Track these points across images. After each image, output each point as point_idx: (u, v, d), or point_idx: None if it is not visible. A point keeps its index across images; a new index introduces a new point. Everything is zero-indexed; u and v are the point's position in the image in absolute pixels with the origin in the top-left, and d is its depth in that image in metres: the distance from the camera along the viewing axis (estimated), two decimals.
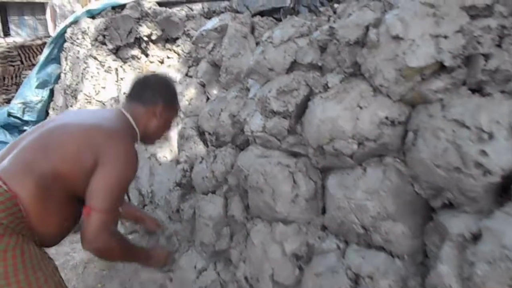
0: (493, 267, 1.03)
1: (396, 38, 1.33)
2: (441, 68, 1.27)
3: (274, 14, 2.70)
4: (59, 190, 1.31)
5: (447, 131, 1.18)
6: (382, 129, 1.36)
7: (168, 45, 3.11)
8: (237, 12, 2.86)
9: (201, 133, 2.40)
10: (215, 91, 2.46)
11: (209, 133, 2.23)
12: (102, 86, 3.14)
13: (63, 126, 1.41)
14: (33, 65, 6.69)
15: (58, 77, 3.71)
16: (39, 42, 6.62)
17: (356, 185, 1.41)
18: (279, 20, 2.60)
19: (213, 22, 2.62)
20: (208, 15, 3.06)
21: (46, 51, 3.71)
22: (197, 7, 3.22)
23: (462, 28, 1.24)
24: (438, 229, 1.24)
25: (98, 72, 3.16)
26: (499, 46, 1.20)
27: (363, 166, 1.43)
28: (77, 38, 3.37)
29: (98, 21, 3.23)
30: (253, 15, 2.71)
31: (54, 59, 3.71)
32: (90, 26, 3.26)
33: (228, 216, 1.99)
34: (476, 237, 1.10)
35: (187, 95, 2.59)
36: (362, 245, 1.40)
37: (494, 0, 1.24)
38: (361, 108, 1.40)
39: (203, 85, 2.54)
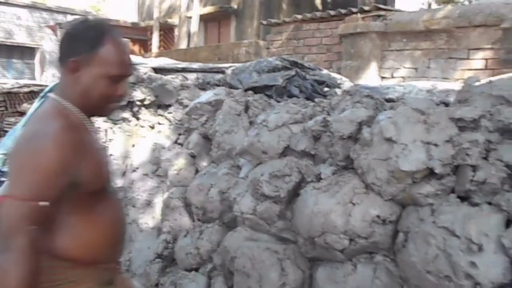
0: None
1: (389, 140, 1.40)
2: (431, 174, 1.33)
3: (266, 90, 2.81)
4: None
5: (438, 238, 1.21)
6: (373, 227, 1.39)
7: (160, 111, 3.16)
8: (231, 86, 2.96)
9: (188, 205, 2.39)
10: (204, 164, 2.48)
11: (197, 207, 2.22)
12: None
13: None
14: (17, 111, 6.65)
15: None
16: (26, 89, 6.62)
17: (345, 281, 1.41)
18: (271, 97, 2.70)
19: (208, 96, 2.70)
20: (202, 86, 3.16)
21: (35, 105, 3.71)
22: (192, 76, 3.32)
23: (451, 139, 1.32)
24: None
25: None
26: (485, 159, 1.27)
27: (353, 262, 1.45)
28: None
29: None
30: (246, 90, 2.81)
31: None
32: None
33: None
34: None
35: (176, 164, 2.60)
36: None
37: (481, 115, 1.34)
38: (353, 204, 1.43)
39: (193, 156, 2.57)
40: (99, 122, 3.21)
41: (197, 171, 2.51)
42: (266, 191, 1.75)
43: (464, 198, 1.29)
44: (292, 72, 2.95)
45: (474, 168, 1.27)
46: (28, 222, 0.95)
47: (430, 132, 1.36)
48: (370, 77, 4.37)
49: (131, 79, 3.21)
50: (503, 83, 1.54)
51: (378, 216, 1.39)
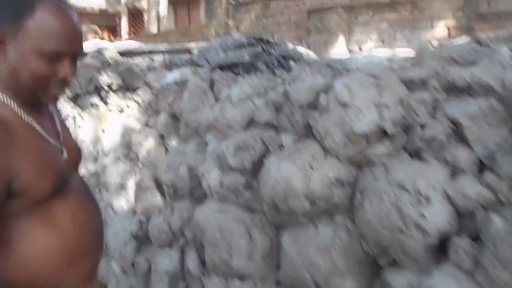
0: None
1: (344, 105, 1.45)
2: (384, 135, 1.38)
3: (234, 68, 2.82)
4: None
5: (391, 194, 1.28)
6: (332, 189, 1.44)
7: (128, 94, 3.14)
8: (198, 65, 2.96)
9: (159, 185, 2.41)
10: (174, 143, 2.50)
11: (167, 186, 2.24)
12: None
13: None
14: None
15: None
16: None
17: (308, 243, 1.47)
18: (238, 74, 2.72)
19: (174, 76, 2.70)
20: (169, 67, 3.15)
21: None
22: (159, 58, 3.30)
23: (401, 100, 1.37)
24: (384, 286, 1.30)
25: None
26: (433, 117, 1.33)
27: (315, 224, 1.50)
28: None
29: None
30: (213, 69, 2.81)
31: None
32: None
33: (185, 271, 1.98)
34: None
35: (146, 145, 2.61)
36: None
37: (429, 75, 1.39)
38: (313, 169, 1.48)
39: (162, 137, 2.58)
40: (67, 108, 3.18)
41: (167, 151, 2.53)
42: (231, 163, 1.78)
43: (415, 155, 1.35)
44: (258, 49, 2.96)
45: (423, 126, 1.33)
46: None
47: (382, 95, 1.41)
48: (339, 50, 4.41)
49: (97, 64, 3.17)
50: (452, 46, 1.60)
51: (336, 179, 1.44)
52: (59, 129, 1.00)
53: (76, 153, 1.04)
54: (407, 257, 1.24)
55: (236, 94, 1.97)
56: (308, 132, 1.64)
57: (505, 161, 1.15)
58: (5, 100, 0.86)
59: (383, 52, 2.33)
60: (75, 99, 3.20)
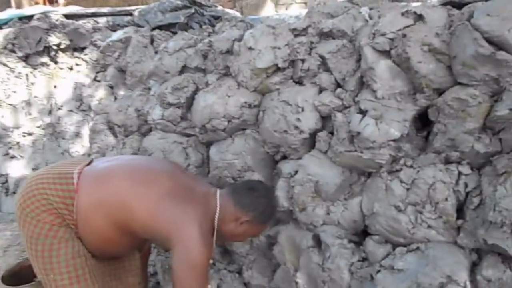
0: (302, 187, 1.70)
1: (250, 48, 1.98)
2: (278, 69, 1.93)
3: (171, 28, 3.25)
4: (114, 213, 1.44)
5: (280, 108, 1.84)
6: (243, 110, 1.98)
7: (76, 54, 3.48)
8: (139, 26, 3.36)
9: (111, 127, 2.85)
10: (122, 92, 2.93)
11: (118, 126, 2.70)
12: (12, 90, 3.41)
13: (161, 172, 1.53)
14: None
15: None
16: None
17: (227, 150, 2.02)
18: (175, 33, 3.16)
19: (118, 34, 3.09)
20: (113, 28, 3.51)
21: None
22: (102, 20, 3.64)
23: (288, 43, 1.91)
24: (277, 173, 1.89)
25: (8, 78, 3.42)
26: (310, 54, 1.89)
27: (232, 137, 2.05)
28: None
29: (7, 30, 3.49)
30: (153, 29, 3.23)
31: None
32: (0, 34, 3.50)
33: None
34: (296, 172, 1.77)
35: (97, 96, 3.02)
36: None
37: (308, 25, 1.94)
38: (229, 96, 2.01)
39: (111, 87, 2.99)
40: (19, 68, 3.47)
41: (115, 99, 2.96)
42: (170, 100, 2.27)
43: (298, 82, 1.91)
44: (192, 10, 3.38)
45: (303, 61, 1.89)
46: None
47: (276, 40, 1.95)
48: (268, 13, 4.92)
49: (44, 25, 3.46)
50: (332, 5, 2.16)
51: (245, 102, 1.98)
52: None
53: None
54: (291, 150, 1.82)
55: (171, 46, 2.44)
56: (227, 71, 2.16)
57: (350, 80, 1.73)
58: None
59: (294, 12, 2.88)
60: (26, 59, 3.50)
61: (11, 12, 3.79)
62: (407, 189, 1.47)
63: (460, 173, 1.41)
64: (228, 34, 2.21)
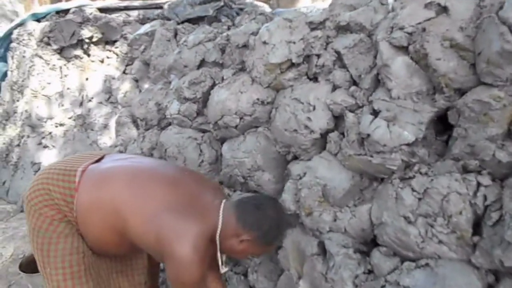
0: (310, 190, 1.60)
1: (264, 43, 1.89)
2: (293, 65, 1.83)
3: (200, 21, 3.22)
4: (109, 220, 1.42)
5: (291, 106, 1.74)
6: (255, 107, 1.91)
7: (107, 47, 3.54)
8: (168, 19, 3.35)
9: (134, 120, 2.87)
10: (146, 85, 2.94)
11: (140, 119, 2.70)
12: (47, 82, 3.52)
13: (162, 176, 1.49)
14: None
15: (5, 74, 4.02)
16: None
17: (238, 148, 1.95)
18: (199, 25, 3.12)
19: (145, 28, 3.10)
20: (143, 21, 3.53)
21: None
22: (134, 14, 3.67)
23: (304, 37, 1.81)
24: (288, 174, 1.80)
25: (43, 70, 3.53)
26: (325, 49, 1.78)
27: (244, 135, 1.98)
28: (23, 39, 3.72)
29: (43, 24, 3.60)
30: (182, 22, 3.22)
31: (1, 57, 4.02)
32: (36, 28, 3.62)
33: None
34: (304, 174, 1.67)
35: (123, 89, 3.05)
36: (244, 191, 1.95)
37: (326, 18, 1.83)
38: (242, 93, 1.94)
39: (136, 81, 3.01)
40: (54, 60, 3.58)
41: (140, 92, 2.97)
42: (186, 94, 2.24)
43: (313, 78, 1.81)
44: (221, 3, 3.33)
45: (318, 56, 1.78)
46: None
47: (292, 34, 1.85)
48: (304, 5, 4.78)
49: (78, 19, 3.55)
50: None
51: (258, 99, 1.90)
52: None
53: None
54: (301, 150, 1.72)
55: (191, 39, 2.40)
56: (242, 66, 2.09)
57: (366, 78, 1.61)
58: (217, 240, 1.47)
59: (321, 4, 2.75)
60: (61, 52, 3.60)
61: (50, 6, 3.91)
62: (419, 199, 1.34)
63: (479, 184, 1.26)
64: (246, 27, 2.13)
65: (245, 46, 2.08)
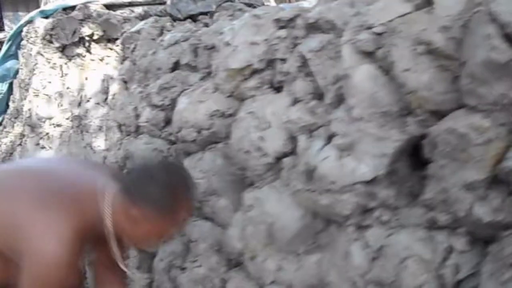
0: (255, 229, 1.30)
1: (227, 44, 1.60)
2: (254, 70, 1.53)
3: (202, 17, 2.98)
4: None
5: (246, 121, 1.44)
6: (213, 120, 1.62)
7: (109, 45, 3.37)
8: (171, 15, 3.13)
9: (119, 125, 2.67)
10: (134, 86, 2.73)
11: (121, 124, 2.50)
12: (48, 81, 3.43)
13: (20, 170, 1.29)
14: None
15: (17, 72, 4.00)
16: None
17: (195, 167, 1.68)
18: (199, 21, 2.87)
19: (139, 25, 2.89)
20: (145, 18, 3.33)
21: (4, 47, 4.01)
22: (138, 10, 3.48)
23: (268, 37, 1.50)
24: (242, 203, 1.50)
25: (45, 68, 3.44)
26: (291, 52, 1.45)
27: (204, 151, 1.70)
28: (31, 37, 3.66)
29: (47, 21, 3.51)
30: (185, 18, 2.98)
31: (13, 55, 4.00)
32: (41, 25, 3.54)
33: None
34: (253, 206, 1.37)
35: (112, 90, 2.86)
36: (197, 217, 1.67)
37: (295, 15, 1.50)
38: (201, 102, 1.66)
39: (125, 82, 2.81)
40: (55, 58, 3.47)
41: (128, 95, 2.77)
42: (155, 101, 2.00)
43: (277, 88, 1.49)
44: None
45: (283, 61, 1.46)
46: None
47: (256, 34, 1.54)
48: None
49: (79, 16, 3.41)
50: None
51: (217, 110, 1.61)
52: None
53: None
54: (255, 175, 1.42)
55: (167, 38, 2.15)
56: (210, 71, 1.81)
57: (331, 89, 1.27)
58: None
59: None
60: (63, 50, 3.48)
61: (59, 3, 3.81)
62: (373, 259, 0.99)
63: (451, 249, 0.90)
64: (217, 26, 1.85)
65: (214, 47, 1.80)
